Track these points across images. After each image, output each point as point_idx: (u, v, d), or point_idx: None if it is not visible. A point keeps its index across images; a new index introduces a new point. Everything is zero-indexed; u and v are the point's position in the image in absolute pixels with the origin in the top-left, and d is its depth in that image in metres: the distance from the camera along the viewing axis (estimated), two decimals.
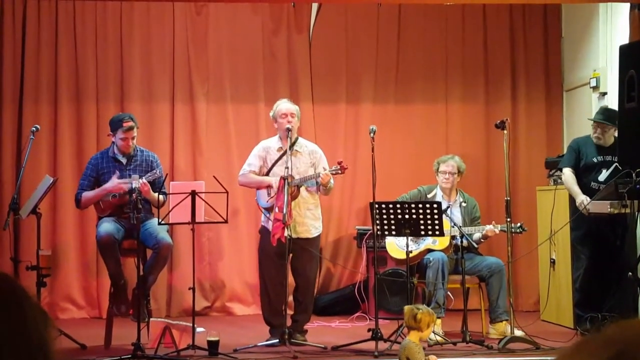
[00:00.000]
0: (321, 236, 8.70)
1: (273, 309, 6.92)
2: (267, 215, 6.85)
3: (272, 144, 7.03)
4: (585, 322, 7.14)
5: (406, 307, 5.58)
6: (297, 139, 6.93)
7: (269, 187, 6.86)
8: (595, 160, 7.29)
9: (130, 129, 6.88)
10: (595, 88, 8.23)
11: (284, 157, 6.86)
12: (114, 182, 6.79)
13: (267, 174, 6.93)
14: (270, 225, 6.80)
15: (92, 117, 8.62)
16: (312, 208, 6.95)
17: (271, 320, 6.90)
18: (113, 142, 6.99)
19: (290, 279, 6.94)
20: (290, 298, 7.26)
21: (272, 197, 6.80)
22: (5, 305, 1.31)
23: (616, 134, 7.25)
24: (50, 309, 8.14)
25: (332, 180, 6.83)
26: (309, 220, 6.88)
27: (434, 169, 7.57)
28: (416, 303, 6.40)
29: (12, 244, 7.34)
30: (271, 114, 7.06)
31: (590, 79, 8.31)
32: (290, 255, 6.80)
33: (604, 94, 8.15)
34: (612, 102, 7.83)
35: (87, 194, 6.94)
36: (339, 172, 6.80)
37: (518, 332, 6.72)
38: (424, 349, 5.67)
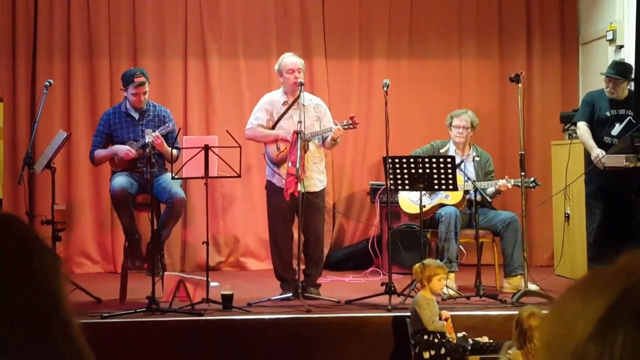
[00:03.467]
0: (333, 191, 8.80)
1: (284, 264, 6.94)
2: (274, 169, 6.84)
3: (277, 97, 7.00)
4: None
5: (414, 266, 5.64)
6: (299, 93, 6.87)
7: (277, 140, 6.83)
8: (608, 114, 7.24)
9: (142, 84, 6.85)
10: (612, 41, 8.14)
11: (290, 111, 6.84)
12: (125, 148, 6.76)
13: (273, 128, 6.91)
14: (276, 180, 6.81)
15: (105, 73, 8.61)
16: (317, 162, 6.94)
17: (283, 275, 6.92)
18: (125, 97, 6.97)
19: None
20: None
21: (281, 151, 6.78)
22: (10, 246, 1.29)
23: (630, 87, 7.21)
24: (66, 263, 8.18)
25: None
26: (315, 174, 6.87)
27: (446, 123, 7.53)
28: (429, 257, 6.40)
29: (27, 198, 7.35)
30: (276, 67, 7.02)
31: (607, 31, 8.22)
32: (295, 211, 6.80)
33: (621, 47, 8.06)
34: (629, 55, 7.75)
35: (100, 152, 6.95)
36: (351, 127, 6.78)
37: (532, 286, 6.71)
38: (437, 303, 5.71)
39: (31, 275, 1.27)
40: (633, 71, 7.19)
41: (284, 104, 6.92)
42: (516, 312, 4.88)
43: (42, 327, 1.24)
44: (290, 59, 6.94)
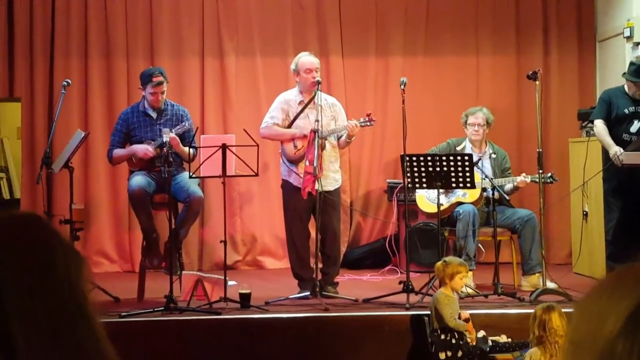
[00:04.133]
0: (350, 190, 8.80)
1: (302, 263, 6.95)
2: (291, 167, 6.84)
3: (292, 96, 6.99)
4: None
5: (437, 264, 5.64)
6: (316, 92, 6.86)
7: (294, 138, 6.83)
8: (627, 111, 7.20)
9: (160, 83, 6.86)
10: (629, 38, 8.11)
11: (306, 110, 6.84)
12: (143, 147, 6.78)
13: (289, 127, 6.91)
14: (293, 179, 6.81)
15: (122, 72, 8.63)
16: (333, 161, 6.93)
17: (300, 274, 6.92)
18: (144, 96, 6.98)
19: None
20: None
21: (299, 149, 6.79)
22: (35, 247, 1.30)
23: None
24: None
25: None
26: (330, 173, 6.86)
27: (462, 121, 7.51)
28: (447, 255, 6.38)
29: (45, 198, 7.39)
30: (292, 67, 7.01)
31: (624, 28, 8.18)
32: (311, 209, 6.82)
33: (638, 44, 8.03)
34: None
35: (118, 152, 6.96)
36: (368, 124, 6.77)
37: (550, 285, 6.70)
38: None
39: (55, 275, 1.28)
40: None
41: (299, 103, 6.92)
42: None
43: (67, 326, 1.26)
44: (307, 59, 6.93)
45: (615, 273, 1.04)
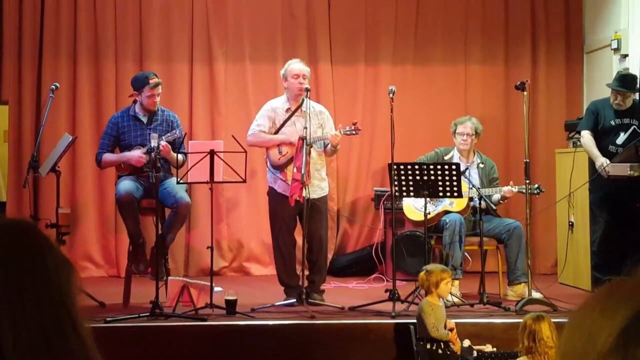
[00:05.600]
0: (337, 197, 8.81)
1: (288, 270, 6.94)
2: (276, 174, 6.84)
3: (279, 104, 7.00)
4: (604, 284, 7.12)
5: (419, 274, 5.64)
6: (304, 99, 6.87)
7: (281, 144, 6.84)
8: (613, 123, 7.24)
9: (157, 84, 6.88)
10: (617, 50, 8.17)
11: (293, 118, 6.85)
12: (136, 155, 6.78)
13: (275, 134, 6.91)
14: (278, 186, 6.82)
15: (111, 76, 8.62)
16: (319, 169, 6.94)
17: (287, 281, 6.92)
18: (134, 102, 6.97)
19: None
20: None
21: (283, 155, 6.80)
22: (26, 254, 1.30)
23: (635, 97, 7.22)
24: None
25: None
26: (316, 181, 6.86)
27: (451, 130, 7.54)
28: (435, 263, 6.39)
29: (32, 201, 7.37)
30: (282, 72, 7.02)
31: (612, 40, 8.24)
32: (297, 217, 6.84)
33: (625, 56, 8.08)
34: (634, 64, 7.77)
35: (108, 157, 6.93)
36: (354, 132, 6.77)
37: (536, 294, 6.72)
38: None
39: (45, 280, 1.29)
40: (639, 82, 7.21)
41: (287, 110, 6.93)
42: (520, 320, 4.87)
43: (55, 330, 1.27)
44: (296, 65, 6.95)
45: (607, 288, 1.05)
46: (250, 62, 8.87)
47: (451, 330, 5.49)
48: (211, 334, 5.96)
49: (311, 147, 6.71)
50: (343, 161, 8.91)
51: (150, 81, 6.84)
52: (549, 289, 6.95)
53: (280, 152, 6.84)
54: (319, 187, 6.90)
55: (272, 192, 6.95)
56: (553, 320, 4.69)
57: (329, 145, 6.81)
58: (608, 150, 7.18)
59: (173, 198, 6.64)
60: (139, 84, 6.91)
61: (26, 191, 7.30)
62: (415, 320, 5.64)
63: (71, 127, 8.43)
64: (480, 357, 5.50)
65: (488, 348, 5.60)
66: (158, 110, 7.00)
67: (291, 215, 6.84)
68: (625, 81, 7.19)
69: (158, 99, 6.92)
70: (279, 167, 6.84)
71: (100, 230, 8.61)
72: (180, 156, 6.78)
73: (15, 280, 1.26)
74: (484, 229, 6.84)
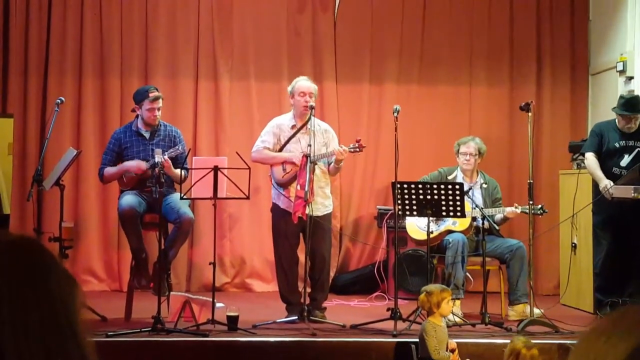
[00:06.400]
0: (340, 215, 8.81)
1: (290, 287, 6.95)
2: (280, 191, 6.85)
3: (285, 121, 7.01)
4: (606, 307, 7.12)
5: (420, 296, 5.62)
6: (310, 117, 6.89)
7: (284, 162, 6.85)
8: (617, 145, 7.25)
9: (157, 98, 6.89)
10: (622, 72, 8.17)
11: (298, 135, 6.87)
12: (136, 163, 6.79)
13: (280, 151, 6.93)
14: (281, 202, 6.83)
15: (116, 91, 8.65)
16: (323, 186, 6.94)
17: (289, 298, 6.92)
18: (137, 117, 6.99)
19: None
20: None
21: (287, 172, 6.81)
22: (29, 271, 1.31)
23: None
24: None
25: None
26: (319, 198, 6.86)
27: (454, 150, 7.54)
28: (434, 283, 6.38)
29: (36, 215, 7.38)
30: (289, 89, 7.04)
31: (617, 62, 8.25)
32: (301, 234, 6.84)
33: (631, 78, 8.09)
34: (639, 86, 7.78)
35: (109, 170, 6.96)
36: (357, 150, 6.77)
37: (536, 311, 6.71)
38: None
39: (48, 296, 1.30)
40: None
41: (292, 127, 6.94)
42: None
43: (59, 346, 1.27)
44: (304, 83, 6.97)
45: (613, 316, 1.05)
46: (255, 79, 8.89)
47: (452, 351, 5.48)
48: (212, 349, 5.95)
49: (315, 164, 6.72)
50: (347, 179, 8.92)
51: (150, 94, 6.85)
52: (551, 310, 6.93)
53: (284, 170, 6.85)
54: (322, 204, 6.90)
55: (275, 209, 6.96)
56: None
57: (333, 163, 6.82)
58: (612, 172, 7.18)
59: (176, 213, 6.65)
60: (140, 97, 6.94)
61: (30, 204, 7.31)
62: (417, 340, 5.63)
63: (76, 142, 8.45)
64: None
65: None
66: (160, 125, 7.01)
67: (294, 232, 6.84)
68: (631, 105, 7.18)
69: (158, 113, 6.93)
70: (283, 185, 6.85)
71: (103, 244, 8.62)
72: (183, 172, 6.79)
73: (18, 297, 1.27)
74: (487, 249, 6.83)
